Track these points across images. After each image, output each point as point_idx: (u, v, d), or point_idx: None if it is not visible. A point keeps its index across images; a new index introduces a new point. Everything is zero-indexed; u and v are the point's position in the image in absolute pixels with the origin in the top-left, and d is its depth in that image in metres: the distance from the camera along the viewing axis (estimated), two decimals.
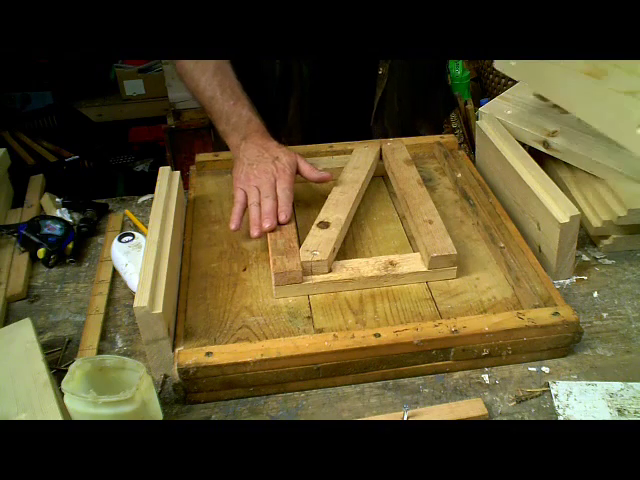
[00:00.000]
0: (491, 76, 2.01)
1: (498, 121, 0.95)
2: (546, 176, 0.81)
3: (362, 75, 1.02)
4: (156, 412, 0.59)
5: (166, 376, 0.67)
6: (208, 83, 0.92)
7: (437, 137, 1.05)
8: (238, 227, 0.80)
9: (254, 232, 0.78)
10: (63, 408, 0.57)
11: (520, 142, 0.91)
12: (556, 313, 0.67)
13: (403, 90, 1.05)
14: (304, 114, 1.04)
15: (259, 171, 0.83)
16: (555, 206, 0.76)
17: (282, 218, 0.79)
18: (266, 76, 1.01)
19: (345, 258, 0.79)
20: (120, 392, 0.53)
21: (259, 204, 0.80)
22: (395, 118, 1.07)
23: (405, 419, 0.60)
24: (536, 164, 0.84)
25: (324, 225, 0.80)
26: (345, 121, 1.06)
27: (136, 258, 0.79)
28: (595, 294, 0.79)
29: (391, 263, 0.76)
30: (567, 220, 0.74)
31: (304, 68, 0.99)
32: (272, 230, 0.78)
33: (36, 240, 0.85)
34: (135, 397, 0.54)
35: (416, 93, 1.08)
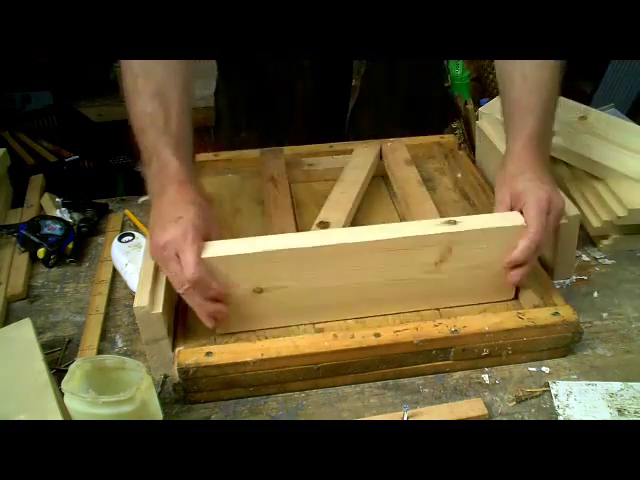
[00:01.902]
0: (491, 76, 2.00)
1: (498, 121, 0.94)
2: None
3: (337, 85, 1.01)
4: (156, 412, 0.59)
5: (166, 376, 0.67)
6: (143, 108, 0.72)
7: (437, 137, 1.05)
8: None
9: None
10: (63, 408, 0.57)
11: None
12: (556, 313, 0.67)
13: (381, 102, 1.04)
14: (306, 113, 1.04)
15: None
16: None
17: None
18: (271, 77, 1.01)
19: None
20: (120, 392, 0.53)
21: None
22: (373, 129, 1.06)
23: (405, 419, 0.60)
24: None
25: (324, 225, 0.80)
26: (321, 127, 1.05)
27: (136, 258, 0.79)
28: (595, 294, 0.79)
29: None
30: (567, 220, 0.74)
31: (305, 66, 0.99)
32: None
33: (36, 240, 0.85)
34: (135, 397, 0.54)
35: (401, 106, 1.07)
